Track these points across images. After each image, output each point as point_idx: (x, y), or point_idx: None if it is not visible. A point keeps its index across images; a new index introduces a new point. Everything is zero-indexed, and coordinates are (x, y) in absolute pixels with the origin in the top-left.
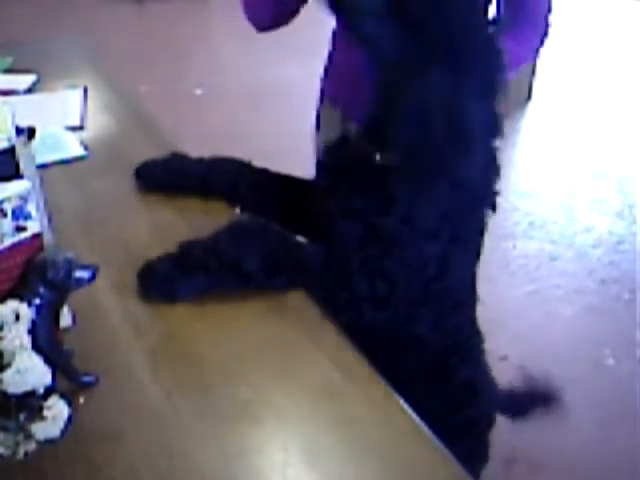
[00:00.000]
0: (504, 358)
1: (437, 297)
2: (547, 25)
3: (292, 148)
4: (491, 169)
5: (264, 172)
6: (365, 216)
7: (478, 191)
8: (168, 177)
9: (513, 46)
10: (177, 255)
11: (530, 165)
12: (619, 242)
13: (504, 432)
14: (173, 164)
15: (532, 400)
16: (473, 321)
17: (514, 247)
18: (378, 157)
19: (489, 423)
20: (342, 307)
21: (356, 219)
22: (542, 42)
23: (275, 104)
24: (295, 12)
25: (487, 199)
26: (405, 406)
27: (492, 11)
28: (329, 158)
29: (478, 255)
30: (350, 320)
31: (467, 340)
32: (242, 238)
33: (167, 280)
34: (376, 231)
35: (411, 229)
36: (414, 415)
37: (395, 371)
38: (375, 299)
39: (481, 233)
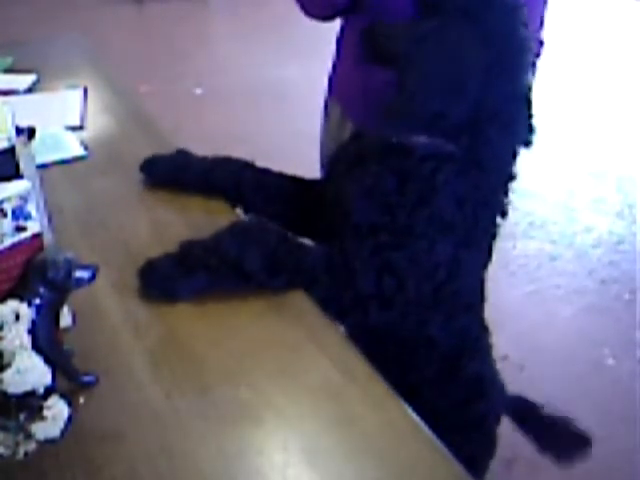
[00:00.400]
0: (504, 358)
1: (448, 299)
2: (540, 43)
3: (292, 148)
4: (509, 173)
5: (267, 172)
6: (381, 195)
7: (491, 172)
8: (172, 172)
9: None
10: (178, 254)
11: (530, 165)
12: (619, 242)
13: (504, 432)
14: (177, 160)
15: (552, 431)
16: (481, 321)
17: (514, 247)
18: (396, 137)
19: (496, 418)
20: (347, 307)
21: (371, 198)
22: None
23: (275, 104)
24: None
25: (501, 199)
26: (405, 406)
27: None
28: (343, 150)
29: (489, 259)
30: (355, 321)
31: (476, 339)
32: (243, 238)
33: (167, 279)
34: (391, 211)
35: (426, 213)
36: (414, 415)
37: (405, 371)
38: (381, 297)
39: (492, 238)
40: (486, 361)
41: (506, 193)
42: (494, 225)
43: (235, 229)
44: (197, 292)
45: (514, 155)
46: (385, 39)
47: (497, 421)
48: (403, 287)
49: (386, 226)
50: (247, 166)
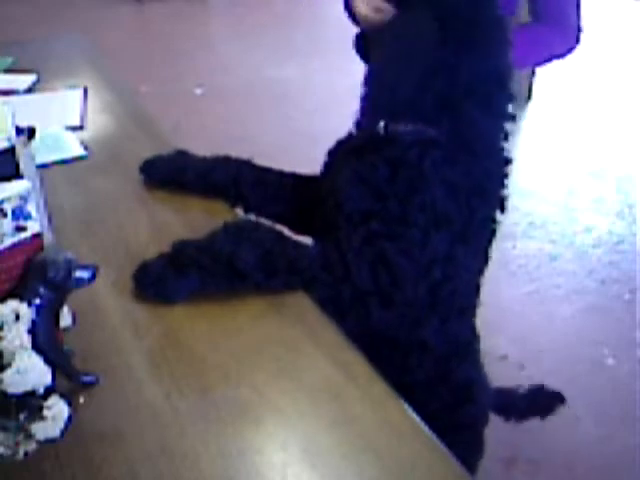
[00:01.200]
0: (504, 358)
1: (444, 302)
2: (578, 30)
3: (292, 147)
4: (501, 158)
5: (266, 170)
6: (372, 183)
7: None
8: (171, 173)
9: (540, 45)
10: (170, 255)
11: (530, 165)
12: (619, 242)
13: (504, 432)
14: (177, 161)
15: (530, 403)
16: (473, 325)
17: (514, 247)
18: (381, 127)
19: (484, 419)
20: (347, 306)
21: (363, 186)
22: (572, 47)
23: (275, 104)
24: None
25: (497, 189)
26: (405, 406)
27: None
28: (340, 143)
29: (486, 262)
30: (357, 321)
31: (467, 344)
32: (236, 237)
33: (161, 280)
34: (383, 199)
35: (418, 201)
36: (414, 415)
37: (398, 373)
38: (379, 293)
39: (489, 240)
40: (476, 365)
41: (502, 183)
42: (492, 221)
43: (229, 228)
44: (192, 292)
45: (503, 137)
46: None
47: (485, 422)
48: (399, 283)
49: (378, 214)
50: (246, 165)
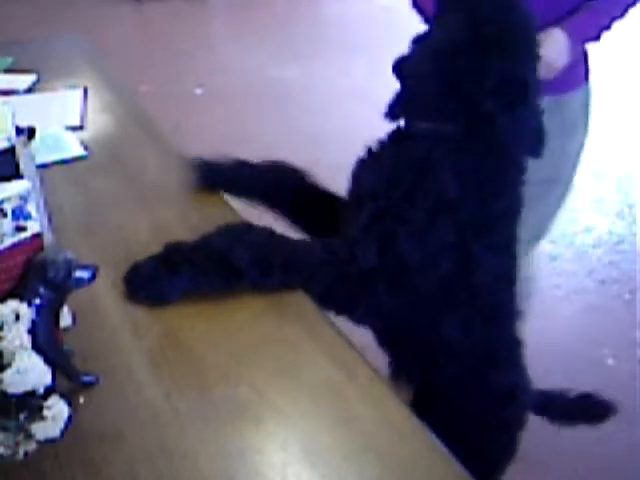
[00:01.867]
0: None
1: (465, 302)
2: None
3: (293, 148)
4: (516, 163)
5: (323, 190)
6: (384, 167)
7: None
8: (226, 181)
9: (589, 16)
10: (162, 255)
11: None
12: (619, 242)
13: None
14: (236, 169)
15: (578, 408)
16: (512, 332)
17: None
18: (402, 123)
19: (522, 423)
20: (354, 289)
21: (376, 172)
22: (622, 14)
23: (275, 104)
24: None
25: (516, 194)
26: (404, 405)
27: None
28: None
29: (513, 265)
30: (367, 307)
31: (508, 351)
32: (230, 235)
33: (152, 281)
34: (392, 180)
35: (425, 183)
36: (414, 414)
37: (426, 371)
38: (386, 275)
39: (512, 241)
40: (517, 370)
41: (518, 184)
42: (511, 217)
43: (222, 229)
44: (184, 292)
45: (525, 149)
46: None
47: (522, 426)
48: (405, 265)
49: (385, 193)
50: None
